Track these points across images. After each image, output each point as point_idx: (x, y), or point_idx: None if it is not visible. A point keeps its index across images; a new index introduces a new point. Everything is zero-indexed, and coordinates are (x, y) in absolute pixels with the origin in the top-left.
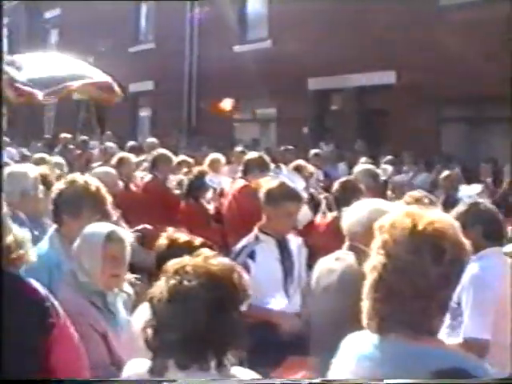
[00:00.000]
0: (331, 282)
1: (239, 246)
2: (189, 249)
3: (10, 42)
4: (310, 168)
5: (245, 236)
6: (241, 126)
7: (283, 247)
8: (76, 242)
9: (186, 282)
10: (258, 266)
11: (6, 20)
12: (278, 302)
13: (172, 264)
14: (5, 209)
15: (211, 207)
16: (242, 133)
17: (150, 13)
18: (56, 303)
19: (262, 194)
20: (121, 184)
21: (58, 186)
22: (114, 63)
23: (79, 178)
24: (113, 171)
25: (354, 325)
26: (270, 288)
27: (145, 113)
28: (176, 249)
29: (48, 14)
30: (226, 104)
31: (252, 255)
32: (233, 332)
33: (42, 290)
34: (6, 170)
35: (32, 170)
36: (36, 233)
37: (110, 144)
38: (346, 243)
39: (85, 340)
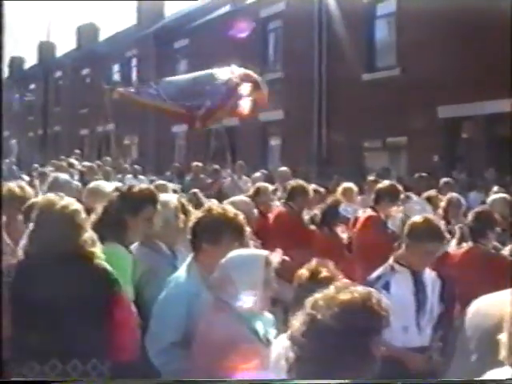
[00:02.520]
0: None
1: (374, 275)
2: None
3: (140, 72)
4: (455, 196)
5: (370, 266)
6: (371, 155)
7: (418, 279)
8: (225, 269)
9: (319, 317)
10: (391, 298)
11: (135, 51)
12: (409, 335)
13: (308, 300)
14: (76, 204)
15: (345, 236)
16: (372, 162)
17: (278, 42)
18: (120, 280)
19: (405, 227)
20: (256, 213)
21: (197, 215)
22: None
23: (216, 205)
24: (249, 200)
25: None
26: (402, 321)
27: (275, 142)
28: (316, 283)
29: (177, 44)
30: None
31: (387, 286)
32: (365, 359)
33: (110, 269)
34: None
35: (173, 199)
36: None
37: (245, 178)
38: None
39: (244, 363)
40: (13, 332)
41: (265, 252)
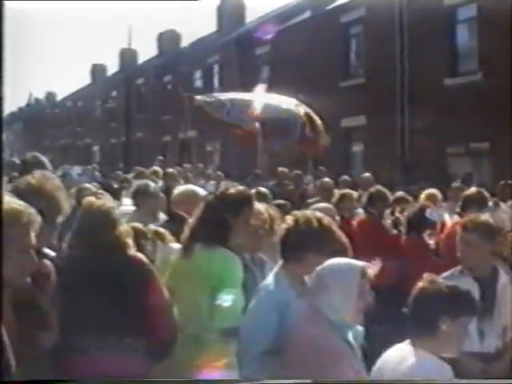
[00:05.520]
0: None
1: (441, 276)
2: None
3: (222, 78)
4: None
5: None
6: (454, 160)
7: (486, 286)
8: (321, 276)
9: None
10: None
11: (217, 57)
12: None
13: None
14: (111, 203)
15: (432, 242)
16: (455, 167)
17: (360, 47)
18: (155, 270)
19: None
20: (338, 220)
21: (288, 223)
22: (325, 98)
23: (314, 215)
24: (331, 207)
25: None
26: None
27: (357, 147)
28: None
29: (258, 51)
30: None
31: None
32: None
33: (146, 260)
34: None
35: (261, 210)
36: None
37: (326, 179)
38: None
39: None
40: (60, 312)
41: (362, 263)
